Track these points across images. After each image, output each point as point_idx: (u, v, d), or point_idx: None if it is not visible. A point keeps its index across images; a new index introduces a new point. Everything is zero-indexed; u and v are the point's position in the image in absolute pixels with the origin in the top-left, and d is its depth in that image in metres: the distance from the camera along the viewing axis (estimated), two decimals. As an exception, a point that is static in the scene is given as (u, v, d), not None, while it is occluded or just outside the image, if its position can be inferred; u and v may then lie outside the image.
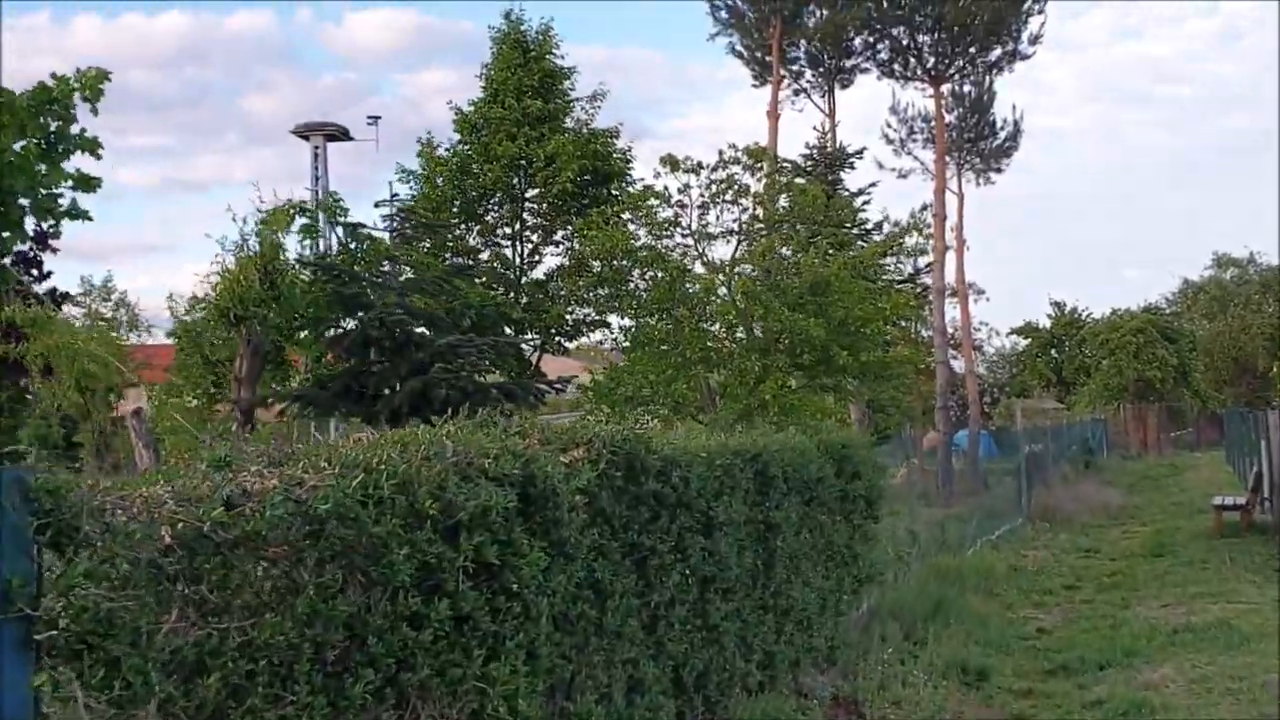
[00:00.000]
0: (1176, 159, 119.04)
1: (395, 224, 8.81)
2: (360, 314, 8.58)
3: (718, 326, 14.23)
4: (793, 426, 10.07)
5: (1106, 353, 52.31)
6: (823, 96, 28.75)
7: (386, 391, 8.51)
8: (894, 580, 13.08)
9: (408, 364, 7.75)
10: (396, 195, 8.63)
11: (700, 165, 18.21)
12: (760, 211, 17.16)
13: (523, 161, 17.13)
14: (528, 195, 17.61)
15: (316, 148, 43.81)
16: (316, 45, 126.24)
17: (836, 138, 27.31)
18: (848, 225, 18.14)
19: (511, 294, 17.23)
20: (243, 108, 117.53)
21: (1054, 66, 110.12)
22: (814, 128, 27.66)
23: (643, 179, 18.08)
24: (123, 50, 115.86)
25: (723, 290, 15.08)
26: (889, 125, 31.40)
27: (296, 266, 9.37)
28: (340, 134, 40.81)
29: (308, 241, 11.95)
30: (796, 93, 28.78)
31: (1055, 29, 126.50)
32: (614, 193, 16.22)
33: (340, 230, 13.05)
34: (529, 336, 17.33)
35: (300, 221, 11.86)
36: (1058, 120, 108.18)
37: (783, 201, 17.83)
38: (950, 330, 35.65)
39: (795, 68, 28.57)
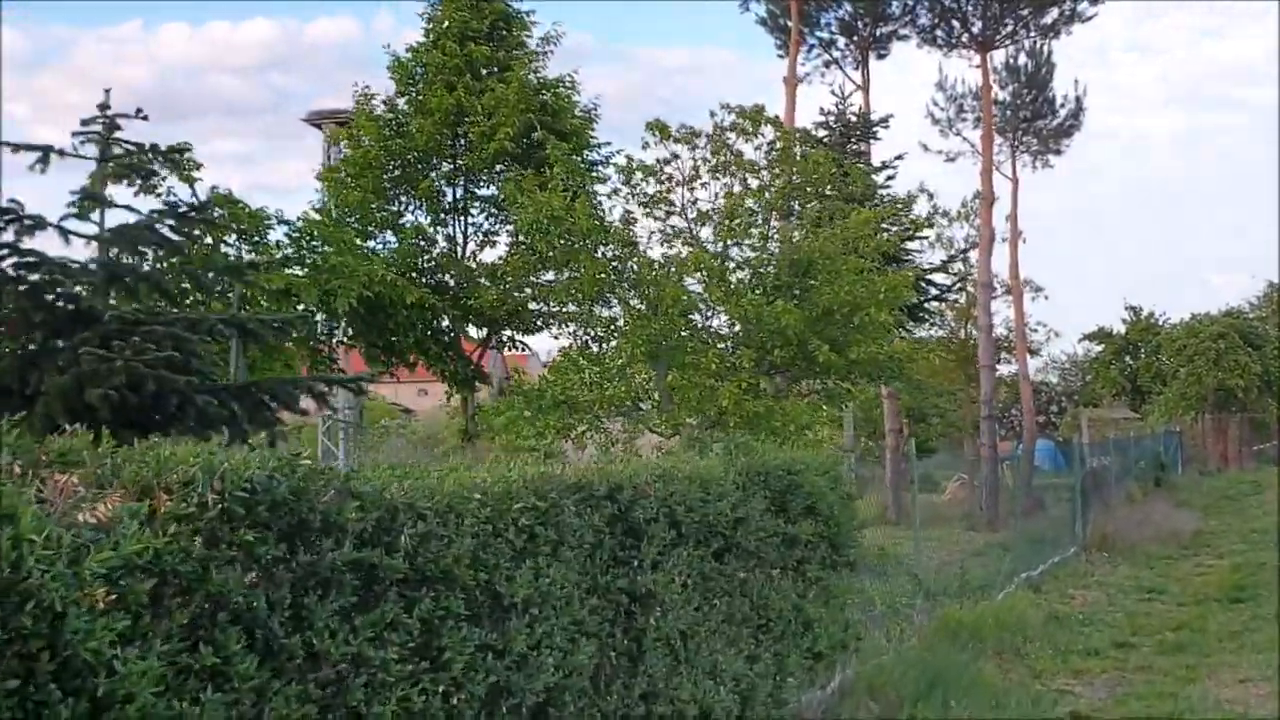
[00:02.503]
0: (1262, 162, 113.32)
1: (103, 152, 6.25)
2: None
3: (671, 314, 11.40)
4: (719, 444, 7.31)
5: (1184, 360, 48.76)
6: (856, 68, 25.73)
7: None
8: (886, 642, 10.21)
9: (72, 350, 5.29)
10: (106, 106, 6.16)
11: (695, 133, 15.60)
12: (754, 182, 14.42)
13: (461, 117, 14.38)
14: (465, 157, 14.79)
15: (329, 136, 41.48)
16: (396, 50, 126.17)
17: (869, 108, 24.19)
18: (867, 201, 15.15)
19: (437, 277, 14.50)
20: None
21: (1132, 67, 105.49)
22: (832, 91, 24.56)
23: (608, 142, 15.42)
24: (209, 58, 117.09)
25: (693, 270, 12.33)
26: (935, 103, 28.18)
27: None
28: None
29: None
30: (827, 64, 25.77)
31: (1134, 31, 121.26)
32: (560, 153, 13.32)
33: (193, 189, 10.65)
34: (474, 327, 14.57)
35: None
36: (1138, 121, 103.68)
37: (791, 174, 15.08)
38: (1005, 331, 32.45)
39: (826, 34, 25.59)
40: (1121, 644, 12.09)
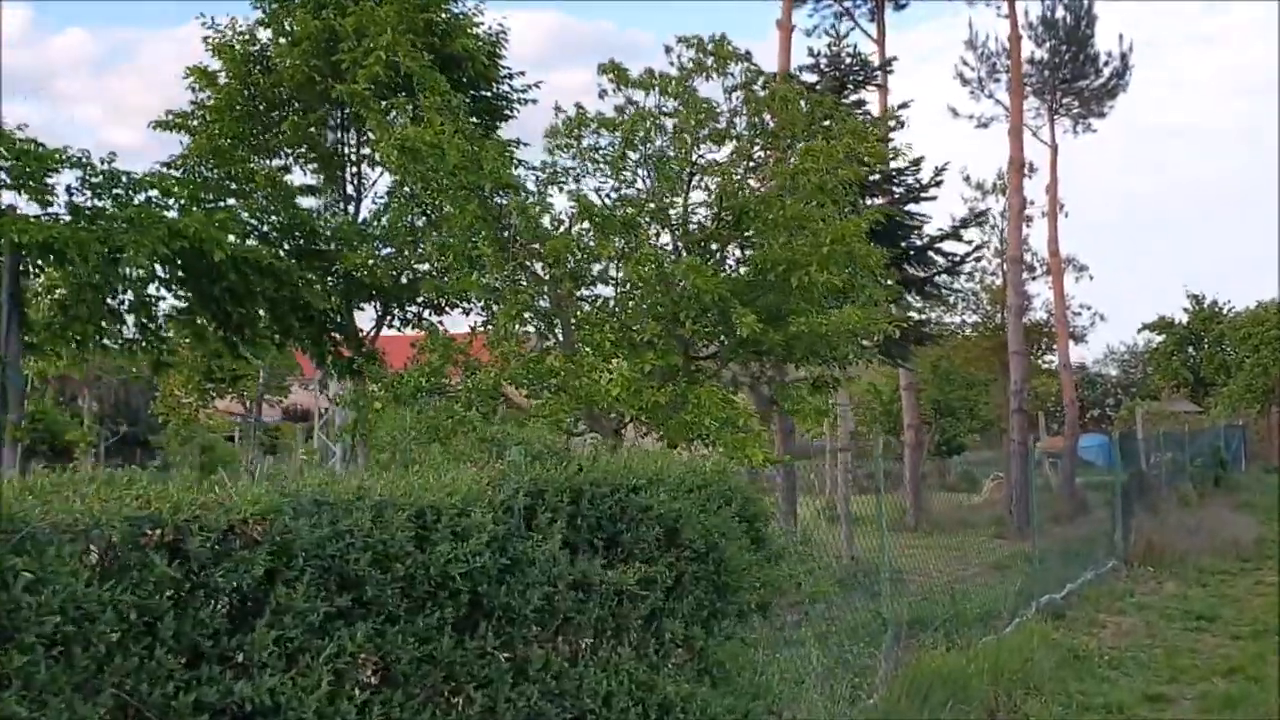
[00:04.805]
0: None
1: None
2: None
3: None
4: (518, 446, 4.93)
5: (1250, 349, 45.61)
6: (871, 20, 22.98)
7: None
8: (832, 705, 7.73)
9: None
10: None
11: (658, 77, 13.29)
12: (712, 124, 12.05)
13: (334, 46, 11.97)
14: (335, 91, 12.31)
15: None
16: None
17: (885, 54, 21.35)
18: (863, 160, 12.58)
19: (296, 240, 12.06)
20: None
21: (1192, 59, 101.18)
22: (826, 32, 21.82)
23: (522, 72, 12.92)
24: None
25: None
26: (964, 62, 25.50)
27: None
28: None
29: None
30: (839, 15, 23.06)
31: (1194, 24, 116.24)
32: (420, 65, 10.46)
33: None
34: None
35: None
36: (1193, 112, 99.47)
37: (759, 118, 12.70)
38: (1046, 314, 29.60)
39: (837, -17, 22.85)
40: (1155, 696, 9.52)
